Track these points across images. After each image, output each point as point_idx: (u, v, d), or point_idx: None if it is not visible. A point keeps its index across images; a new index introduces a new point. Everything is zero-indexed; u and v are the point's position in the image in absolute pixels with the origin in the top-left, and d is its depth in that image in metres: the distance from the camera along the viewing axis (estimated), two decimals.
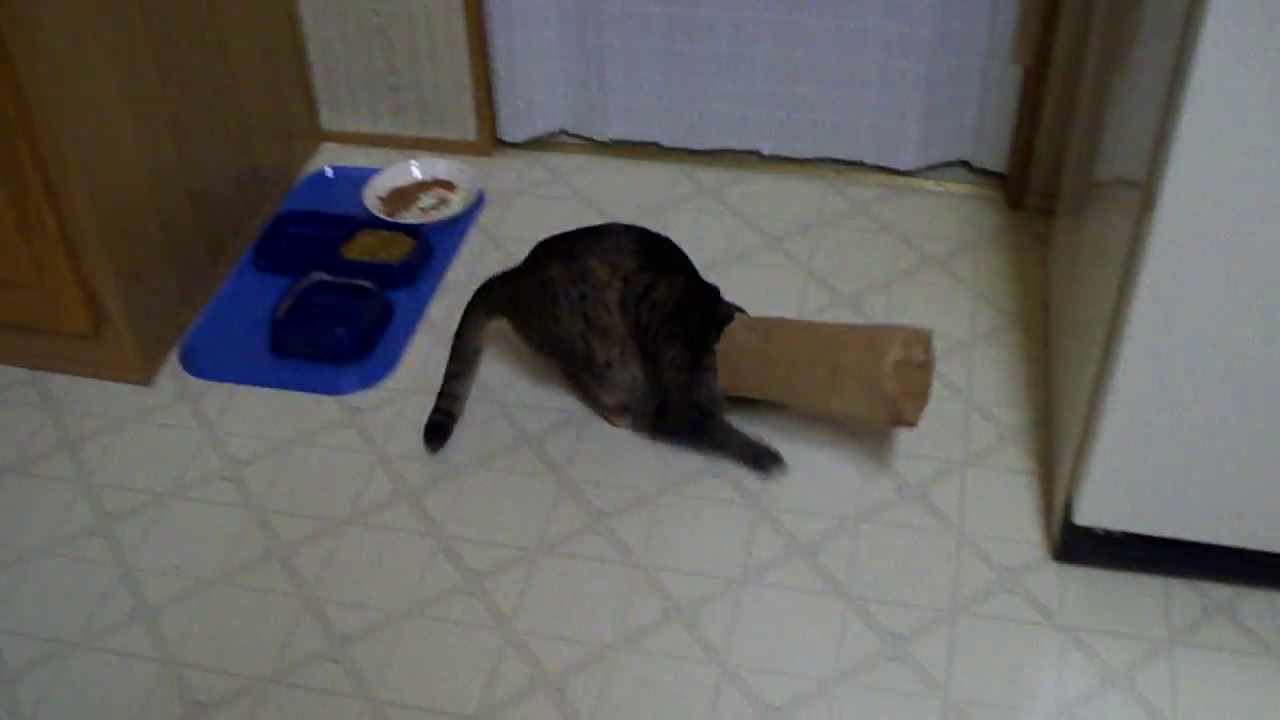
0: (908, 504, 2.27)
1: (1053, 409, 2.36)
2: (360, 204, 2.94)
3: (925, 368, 2.20)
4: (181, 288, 2.69)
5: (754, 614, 2.12)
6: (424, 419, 2.44)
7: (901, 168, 2.97)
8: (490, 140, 3.11)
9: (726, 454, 2.38)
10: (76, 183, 2.33)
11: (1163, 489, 1.99)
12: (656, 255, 2.34)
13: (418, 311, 2.70)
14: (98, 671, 2.10)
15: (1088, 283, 2.14)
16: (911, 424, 2.19)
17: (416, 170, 3.03)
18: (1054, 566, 2.16)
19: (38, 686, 2.08)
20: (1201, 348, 1.83)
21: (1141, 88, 1.89)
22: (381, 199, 2.96)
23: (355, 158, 3.15)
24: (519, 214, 2.97)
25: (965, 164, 2.99)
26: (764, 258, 2.79)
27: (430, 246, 2.82)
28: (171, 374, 2.62)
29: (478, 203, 2.97)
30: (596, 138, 3.12)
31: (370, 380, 2.56)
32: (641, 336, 2.30)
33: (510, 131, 3.10)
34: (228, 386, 2.58)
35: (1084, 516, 2.06)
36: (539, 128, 3.12)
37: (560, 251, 2.34)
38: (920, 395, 2.20)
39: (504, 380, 2.55)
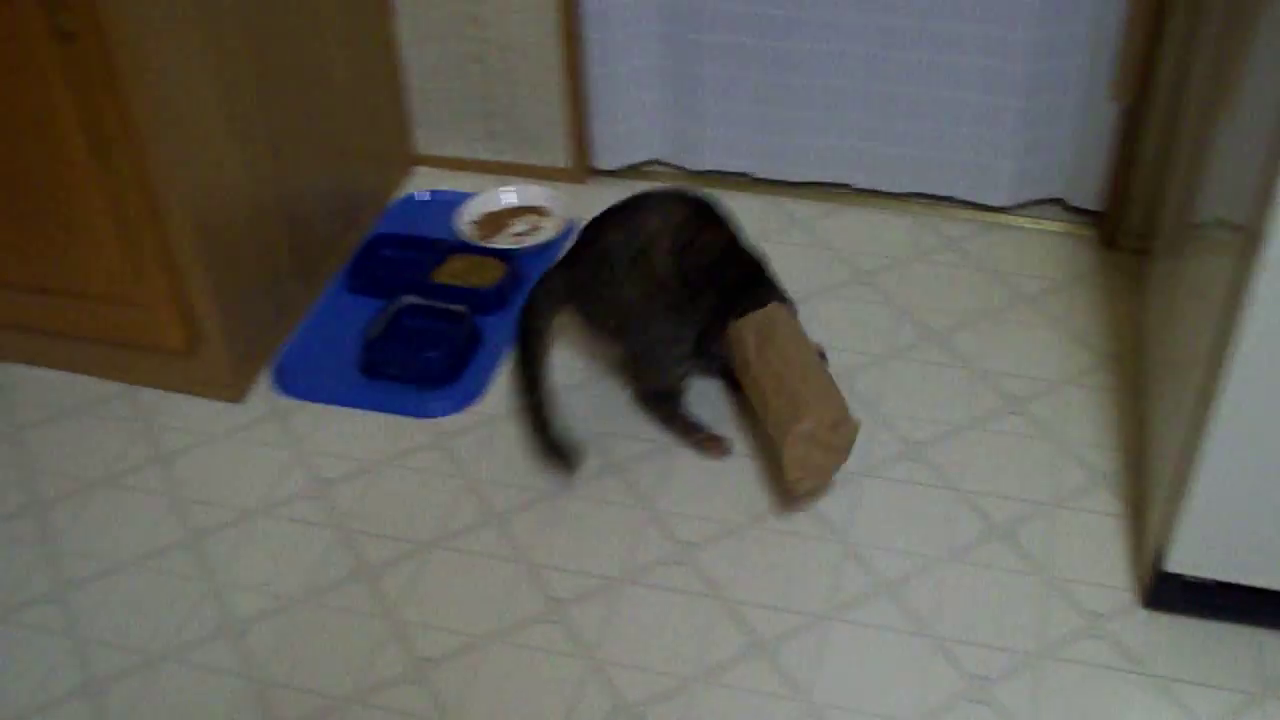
0: (995, 545, 2.25)
1: (1145, 452, 2.33)
2: (453, 228, 2.96)
3: (832, 450, 2.27)
4: (275, 307, 2.72)
5: (837, 651, 2.11)
6: (511, 443, 2.47)
7: (995, 204, 2.95)
8: (583, 168, 3.13)
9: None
10: (176, 201, 2.36)
11: (1258, 538, 1.96)
12: (706, 212, 2.42)
13: (508, 337, 2.70)
14: (184, 685, 2.12)
15: (1184, 325, 2.12)
16: (793, 492, 2.29)
17: (509, 196, 3.05)
18: (1143, 613, 2.13)
19: (125, 697, 2.11)
20: None
21: (1247, 127, 1.87)
22: (474, 224, 2.98)
23: (449, 182, 3.18)
24: None
25: (1059, 202, 2.97)
26: (854, 292, 2.78)
27: (521, 272, 2.83)
28: (263, 392, 2.64)
29: (569, 230, 2.97)
30: (689, 168, 3.13)
31: (459, 404, 2.58)
32: (683, 281, 2.37)
33: (604, 159, 3.11)
34: (318, 406, 2.60)
35: (1176, 564, 2.03)
36: (632, 156, 3.13)
37: (612, 221, 2.41)
38: (815, 472, 2.27)
39: (593, 408, 2.55)
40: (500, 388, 2.61)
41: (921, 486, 2.36)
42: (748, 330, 2.37)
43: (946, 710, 2.01)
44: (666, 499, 2.37)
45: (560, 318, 2.43)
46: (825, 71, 2.87)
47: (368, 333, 2.63)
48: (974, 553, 2.24)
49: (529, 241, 2.94)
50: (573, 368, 2.64)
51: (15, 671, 2.16)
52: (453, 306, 2.68)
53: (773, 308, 2.40)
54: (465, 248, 2.90)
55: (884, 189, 3.02)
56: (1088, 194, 2.89)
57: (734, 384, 2.55)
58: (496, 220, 3.00)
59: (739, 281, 2.42)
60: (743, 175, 3.09)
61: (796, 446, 2.22)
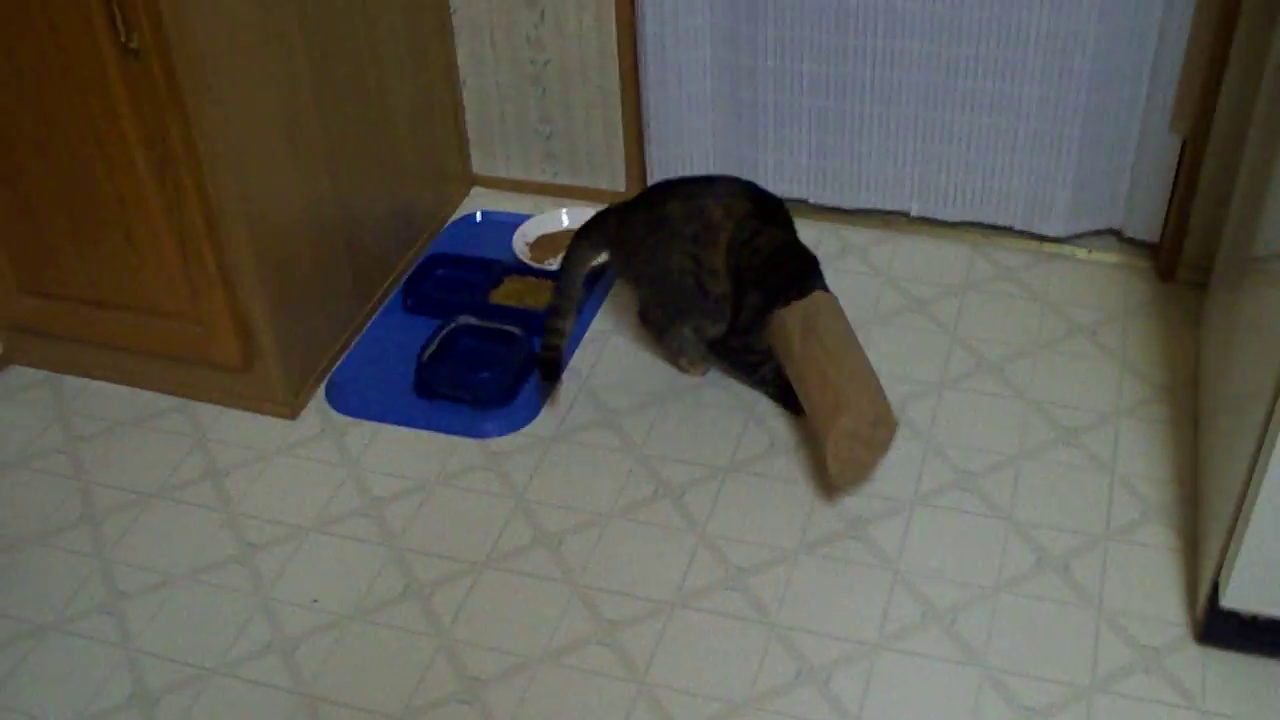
0: (1048, 576, 2.24)
1: (1201, 486, 2.31)
2: (509, 249, 2.97)
3: (872, 447, 2.33)
4: (330, 325, 2.74)
5: (888, 679, 2.10)
6: (566, 466, 2.48)
7: (1051, 234, 2.94)
8: (640, 191, 3.13)
9: (767, 391, 2.62)
10: (236, 218, 2.39)
11: None
12: (766, 207, 2.52)
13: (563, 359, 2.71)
14: (234, 699, 2.13)
15: (1243, 359, 2.10)
16: (835, 483, 2.38)
17: (566, 218, 3.06)
18: (1197, 649, 2.11)
19: (176, 710, 2.12)
20: None
21: None
22: (530, 245, 2.99)
23: (505, 203, 3.19)
24: None
25: (1116, 233, 2.96)
26: (909, 320, 2.78)
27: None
28: (317, 409, 2.66)
29: None
30: None
31: (513, 425, 2.58)
32: (738, 274, 2.48)
33: None
34: (371, 424, 2.61)
35: (1232, 599, 2.02)
36: None
37: (678, 193, 2.53)
38: (856, 466, 2.34)
39: (645, 433, 2.56)
40: (554, 409, 2.62)
41: (974, 516, 2.35)
42: (792, 319, 2.42)
43: None
44: (718, 523, 2.36)
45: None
46: (883, 99, 2.87)
47: (422, 352, 2.64)
48: (1026, 584, 2.22)
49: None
50: (626, 392, 2.65)
51: (67, 681, 2.18)
52: (507, 327, 2.69)
53: (817, 295, 2.46)
54: (521, 269, 2.91)
55: (940, 217, 3.02)
56: (1145, 225, 2.88)
57: (781, 394, 2.60)
58: (552, 242, 3.01)
59: (788, 278, 2.48)
60: (799, 201, 3.09)
61: (839, 442, 2.28)
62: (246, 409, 2.66)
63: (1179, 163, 2.76)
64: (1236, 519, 1.95)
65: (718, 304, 2.54)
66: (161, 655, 2.21)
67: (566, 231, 3.02)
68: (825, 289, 2.50)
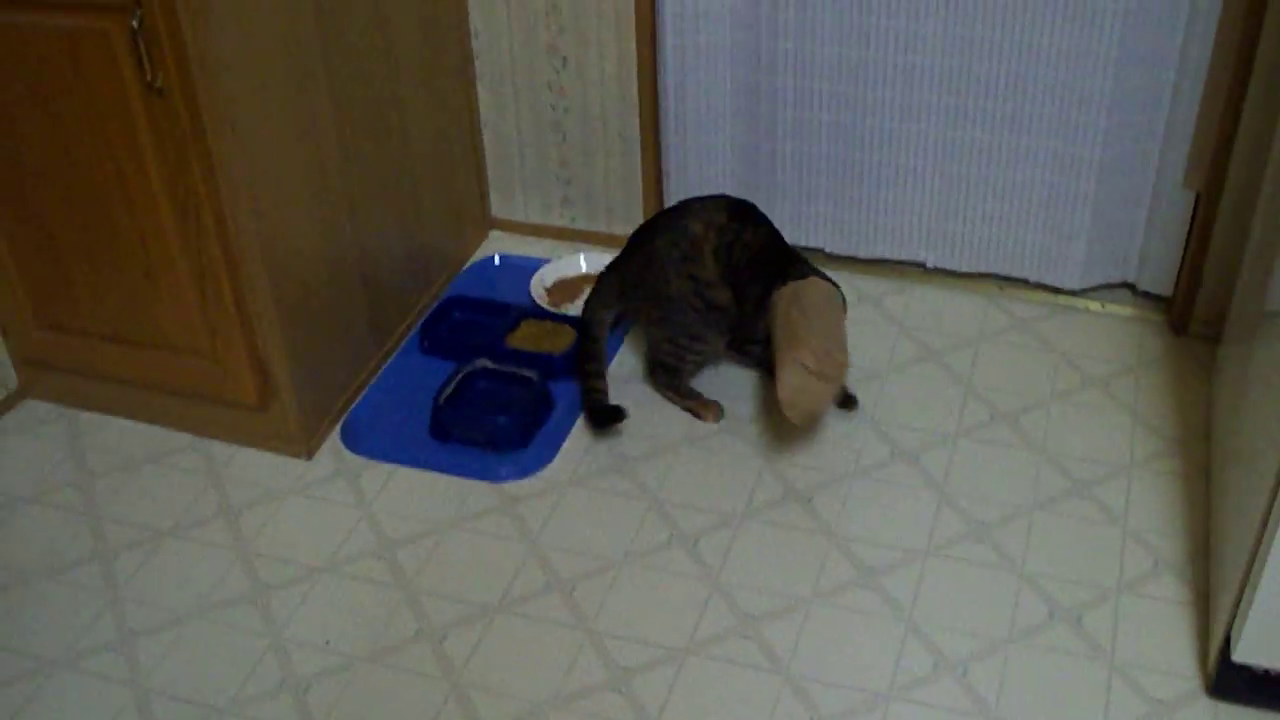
0: (1060, 628, 2.24)
1: (1213, 540, 2.32)
2: (526, 293, 2.98)
3: (823, 378, 2.45)
4: (347, 365, 2.74)
5: None
6: (580, 511, 2.49)
7: (1065, 286, 2.95)
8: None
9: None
10: (256, 257, 2.40)
11: None
12: (743, 211, 2.66)
13: (578, 404, 2.72)
14: None
15: (1256, 414, 2.11)
16: (789, 415, 2.48)
17: (583, 263, 3.07)
18: (1208, 702, 2.11)
19: None
20: None
21: None
22: (547, 289, 3.00)
23: (523, 247, 3.21)
24: None
25: (1130, 286, 2.97)
26: (923, 369, 2.78)
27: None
28: (332, 450, 2.66)
29: None
30: None
31: (528, 470, 2.59)
32: (733, 275, 2.61)
33: None
34: (386, 466, 2.62)
35: (1243, 653, 2.02)
36: None
37: (659, 225, 2.67)
38: (808, 398, 2.46)
39: (659, 480, 2.56)
40: (568, 454, 2.62)
41: (987, 567, 2.35)
42: (783, 296, 2.55)
43: None
44: (731, 571, 2.36)
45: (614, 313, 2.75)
46: (899, 150, 2.89)
47: (439, 395, 2.65)
48: (1038, 636, 2.22)
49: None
50: (641, 438, 2.65)
51: (76, 719, 2.17)
52: (524, 371, 2.70)
53: (813, 280, 2.58)
54: (538, 313, 2.92)
55: (955, 268, 3.03)
56: (1158, 279, 2.89)
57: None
58: (570, 287, 3.02)
59: (780, 264, 2.61)
60: (815, 250, 3.10)
61: (786, 370, 2.43)
62: (261, 448, 2.67)
63: (1192, 218, 2.77)
64: (1248, 573, 1.95)
65: (723, 315, 2.64)
66: (171, 694, 2.20)
67: (584, 276, 3.04)
68: (823, 275, 2.61)
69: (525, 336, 2.85)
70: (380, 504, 2.54)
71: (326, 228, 2.59)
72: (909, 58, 2.77)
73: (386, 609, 2.33)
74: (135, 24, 2.16)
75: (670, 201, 3.05)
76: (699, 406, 2.72)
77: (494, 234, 3.27)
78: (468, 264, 3.16)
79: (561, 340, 2.81)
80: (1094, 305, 2.96)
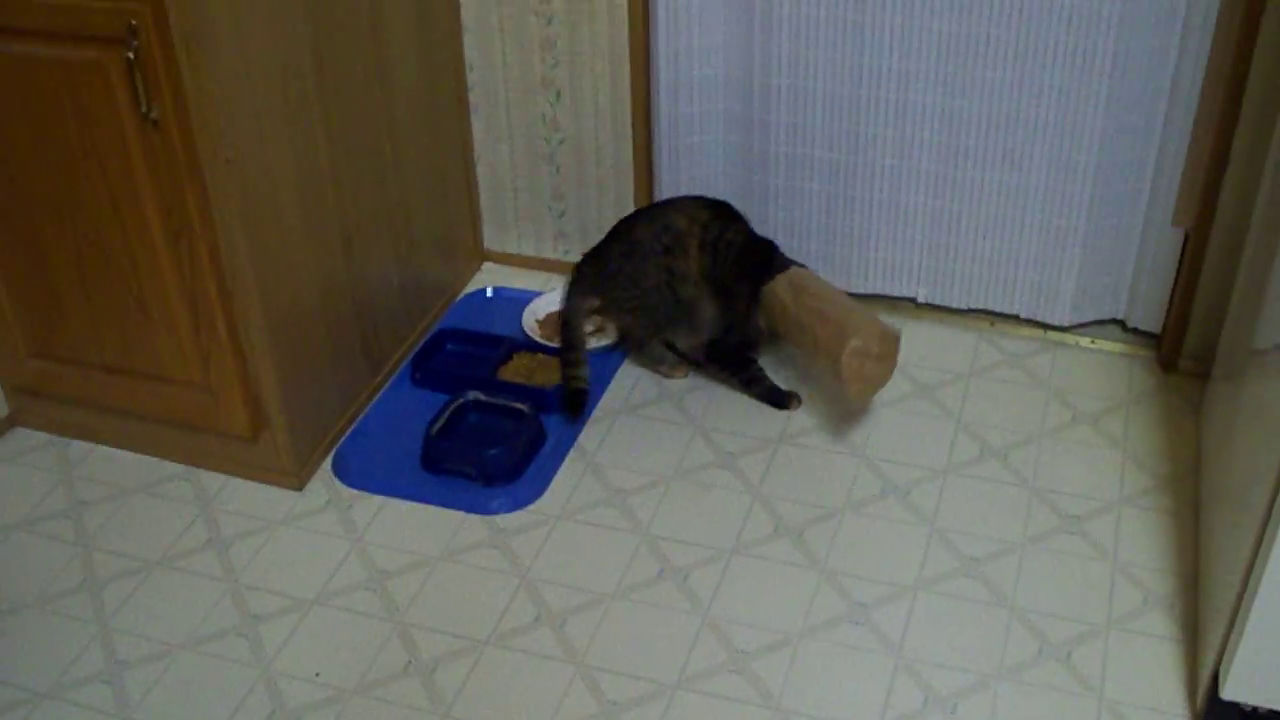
0: (1049, 664, 2.24)
1: (1202, 576, 2.32)
2: (518, 326, 2.99)
3: (882, 360, 2.61)
4: (339, 396, 2.75)
5: None
6: (571, 544, 2.49)
7: (1056, 323, 2.96)
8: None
9: (754, 391, 2.83)
10: (249, 287, 2.40)
11: None
12: (723, 210, 2.78)
13: (570, 437, 2.73)
14: None
15: (1244, 450, 2.12)
16: (856, 402, 2.70)
17: None
18: None
19: None
20: None
21: None
22: (540, 322, 3.01)
23: (516, 279, 3.21)
24: None
25: (1120, 323, 2.98)
26: (915, 405, 2.79)
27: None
28: (323, 481, 2.66)
29: None
30: None
31: (519, 503, 2.59)
32: (719, 272, 2.72)
33: None
34: (378, 498, 2.62)
35: (1232, 691, 2.02)
36: None
37: (641, 218, 2.78)
38: (872, 381, 2.62)
39: (650, 513, 2.56)
40: (560, 487, 2.63)
41: (977, 603, 2.35)
42: (780, 286, 2.68)
43: None
44: (722, 605, 2.36)
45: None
46: (892, 186, 2.90)
47: (430, 427, 2.65)
48: (1028, 672, 2.23)
49: (593, 343, 2.95)
50: (632, 471, 2.65)
51: None
52: (516, 404, 2.70)
53: (796, 269, 2.72)
54: (530, 346, 2.93)
55: (947, 304, 3.04)
56: (1148, 316, 2.90)
57: (768, 393, 2.83)
58: None
59: (765, 260, 2.73)
60: None
61: (852, 363, 2.55)
62: (253, 478, 2.67)
63: (1181, 255, 2.78)
64: (1237, 610, 1.96)
65: (688, 310, 2.76)
66: None
67: None
68: (800, 265, 2.76)
69: (517, 369, 2.86)
70: (371, 536, 2.53)
71: (320, 259, 2.60)
72: (903, 94, 2.78)
73: (377, 641, 2.32)
74: (131, 55, 2.17)
75: None
76: (668, 368, 2.90)
77: (487, 266, 3.28)
78: (460, 296, 3.17)
79: (554, 374, 2.81)
80: (1084, 341, 2.97)
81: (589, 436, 2.74)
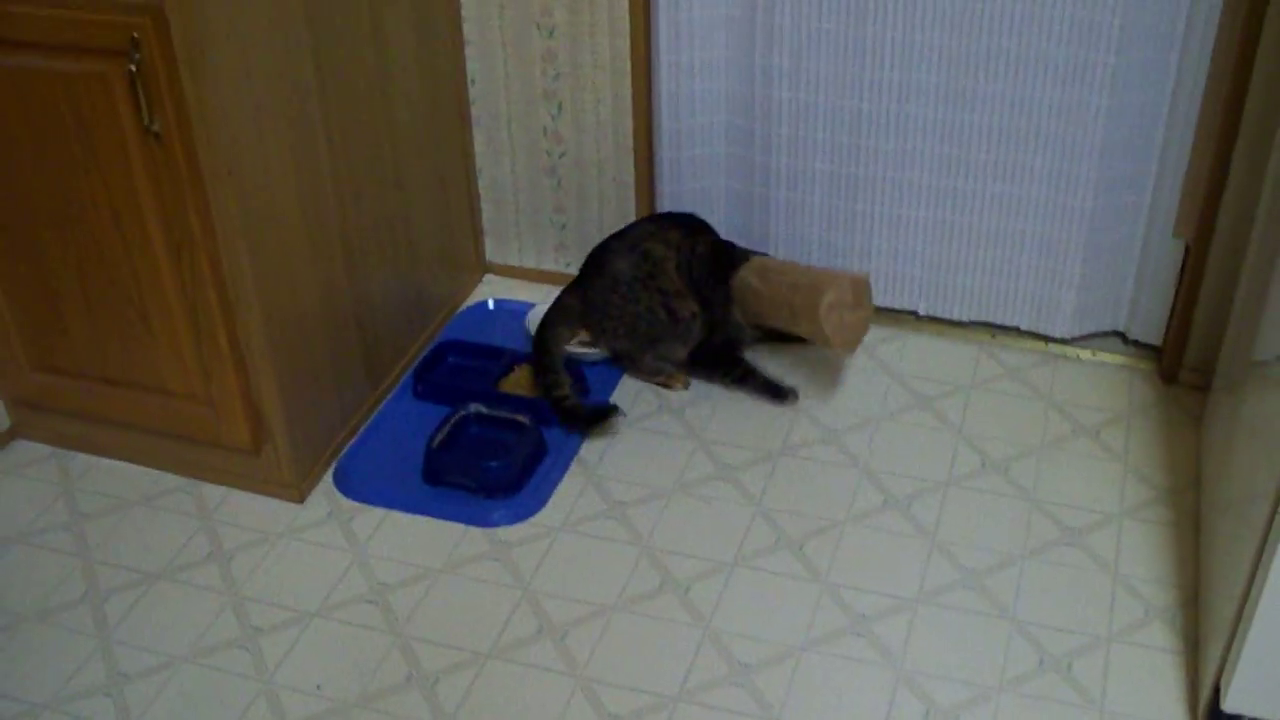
0: (1050, 676, 2.24)
1: (1203, 588, 2.32)
2: (520, 338, 2.99)
3: (858, 307, 2.72)
4: (340, 409, 2.75)
5: None
6: (572, 556, 2.49)
7: (1056, 335, 2.97)
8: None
9: (751, 386, 2.88)
10: (251, 300, 2.40)
11: None
12: (688, 224, 2.86)
13: (571, 449, 2.73)
14: None
15: (1244, 462, 2.12)
16: (840, 350, 2.82)
17: None
18: None
19: None
20: None
21: None
22: None
23: (517, 291, 3.22)
24: None
25: (1120, 335, 2.98)
26: (915, 418, 2.79)
27: (587, 385, 2.86)
28: (325, 494, 2.66)
29: None
30: None
31: (520, 515, 2.59)
32: (696, 285, 2.80)
33: None
34: (379, 510, 2.62)
35: (1233, 703, 2.02)
36: None
37: (612, 251, 2.83)
38: (854, 329, 2.73)
39: (651, 526, 2.56)
40: (561, 499, 2.63)
41: (978, 615, 2.35)
42: (746, 273, 2.77)
43: None
44: (723, 618, 2.36)
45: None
46: (892, 199, 2.91)
47: (431, 439, 2.65)
48: (1029, 684, 2.22)
49: (595, 355, 2.96)
50: (633, 483, 2.66)
51: None
52: (517, 416, 2.71)
53: (757, 257, 2.84)
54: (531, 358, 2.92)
55: (947, 316, 3.05)
56: (1148, 328, 2.90)
57: (764, 384, 2.88)
58: None
59: (731, 263, 2.81)
60: None
61: (832, 316, 2.65)
62: (254, 491, 2.67)
63: (1182, 268, 2.79)
64: (1238, 622, 1.96)
65: (688, 324, 2.82)
66: None
67: None
68: (761, 253, 2.90)
69: (518, 381, 2.86)
70: (372, 548, 2.53)
71: (321, 272, 2.60)
72: (904, 107, 2.79)
73: (378, 654, 2.32)
74: (133, 68, 2.17)
75: None
76: (667, 379, 2.92)
77: (489, 279, 3.28)
78: (462, 308, 3.17)
79: None
80: (1085, 354, 2.97)
81: (590, 449, 2.75)
